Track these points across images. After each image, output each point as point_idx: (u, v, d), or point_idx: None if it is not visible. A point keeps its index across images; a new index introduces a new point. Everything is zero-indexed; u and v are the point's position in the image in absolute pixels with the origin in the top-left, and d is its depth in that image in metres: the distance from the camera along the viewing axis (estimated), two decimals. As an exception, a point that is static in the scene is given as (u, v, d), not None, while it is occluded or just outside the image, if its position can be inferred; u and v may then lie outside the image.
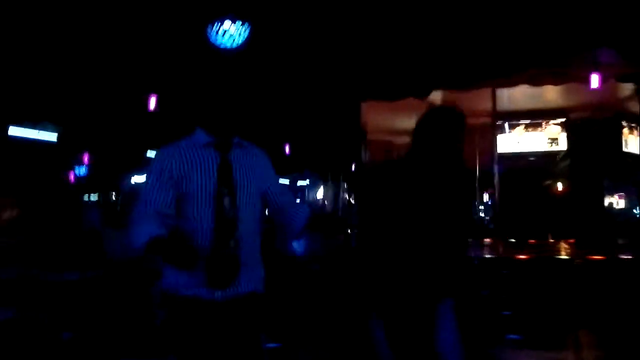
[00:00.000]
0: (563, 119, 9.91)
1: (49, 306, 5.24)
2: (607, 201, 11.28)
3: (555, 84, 8.42)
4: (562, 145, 9.90)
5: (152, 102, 9.57)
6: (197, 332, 1.97)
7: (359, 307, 2.42)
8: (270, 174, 2.23)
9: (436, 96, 8.00)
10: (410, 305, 2.25)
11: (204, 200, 2.02)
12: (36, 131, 14.69)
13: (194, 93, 2.16)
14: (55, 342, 5.12)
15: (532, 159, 9.94)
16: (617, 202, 13.48)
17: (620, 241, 8.39)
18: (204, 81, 2.13)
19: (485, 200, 12.84)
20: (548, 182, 10.88)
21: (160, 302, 2.01)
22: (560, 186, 10.85)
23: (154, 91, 9.70)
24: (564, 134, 9.83)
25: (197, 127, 2.14)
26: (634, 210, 13.54)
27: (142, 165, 19.43)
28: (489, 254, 7.37)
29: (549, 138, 9.92)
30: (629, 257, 6.63)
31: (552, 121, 9.97)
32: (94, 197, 20.76)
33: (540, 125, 10.02)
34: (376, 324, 2.29)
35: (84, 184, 17.49)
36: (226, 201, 2.04)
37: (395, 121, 9.19)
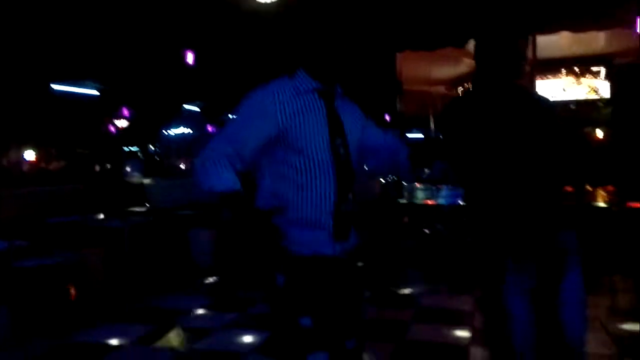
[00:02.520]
0: (605, 67, 9.58)
1: (97, 250, 5.53)
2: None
3: (598, 29, 8.11)
4: (605, 93, 9.60)
5: (190, 57, 9.67)
6: (326, 289, 1.93)
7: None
8: (369, 123, 2.18)
9: (472, 45, 7.81)
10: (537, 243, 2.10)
11: (318, 152, 1.90)
12: (78, 87, 15.04)
13: (305, 32, 2.01)
14: (106, 282, 5.47)
15: (572, 107, 9.69)
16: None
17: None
18: (318, 22, 1.99)
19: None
20: (588, 129, 10.63)
21: (280, 264, 1.92)
22: (600, 133, 10.60)
23: (191, 46, 9.78)
24: (606, 82, 9.53)
25: (298, 70, 2.00)
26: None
27: (180, 117, 19.91)
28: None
29: (589, 87, 9.64)
30: (669, 204, 6.52)
31: (593, 68, 9.65)
32: (134, 149, 21.30)
33: (581, 73, 9.72)
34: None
35: (124, 136, 17.94)
36: (342, 153, 1.96)
37: (432, 71, 9.06)
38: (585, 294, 2.14)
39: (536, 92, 2.41)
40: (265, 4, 6.92)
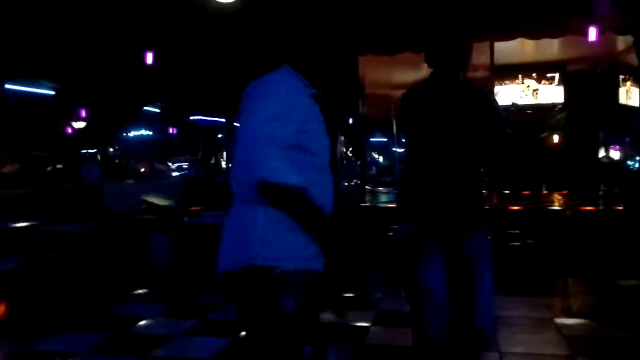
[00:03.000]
0: (559, 74, 9.88)
1: (52, 255, 5.37)
2: (601, 153, 11.36)
3: (552, 36, 8.36)
4: (555, 98, 9.91)
5: (149, 57, 9.51)
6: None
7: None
8: None
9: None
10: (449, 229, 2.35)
11: (324, 158, 1.86)
12: (33, 87, 14.59)
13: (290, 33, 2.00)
14: (61, 289, 5.32)
15: (529, 112, 9.96)
16: (612, 154, 13.55)
17: (613, 192, 8.52)
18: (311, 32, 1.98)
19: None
20: (544, 134, 10.92)
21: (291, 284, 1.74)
22: (556, 138, 10.91)
23: (150, 47, 9.61)
24: (560, 88, 9.83)
25: (299, 73, 1.90)
26: (628, 162, 13.66)
27: (139, 119, 19.55)
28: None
29: (544, 92, 9.93)
30: (620, 207, 6.76)
31: (548, 75, 9.94)
32: (92, 151, 20.83)
33: (537, 79, 9.99)
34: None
35: (81, 138, 17.51)
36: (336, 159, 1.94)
37: (393, 75, 9.17)
38: (494, 285, 2.42)
39: (482, 89, 2.66)
40: (227, 3, 6.86)
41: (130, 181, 14.33)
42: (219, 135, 23.84)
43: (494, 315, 2.42)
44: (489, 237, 2.49)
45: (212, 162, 23.50)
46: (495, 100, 2.76)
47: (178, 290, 5.84)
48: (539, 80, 9.97)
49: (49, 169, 15.74)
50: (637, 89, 10.04)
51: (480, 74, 8.93)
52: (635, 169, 13.22)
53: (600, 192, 8.78)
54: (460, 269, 2.35)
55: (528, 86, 9.94)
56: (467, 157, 2.41)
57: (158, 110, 19.36)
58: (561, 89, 9.85)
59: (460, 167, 2.40)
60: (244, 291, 1.77)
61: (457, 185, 2.39)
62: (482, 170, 2.55)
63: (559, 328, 4.35)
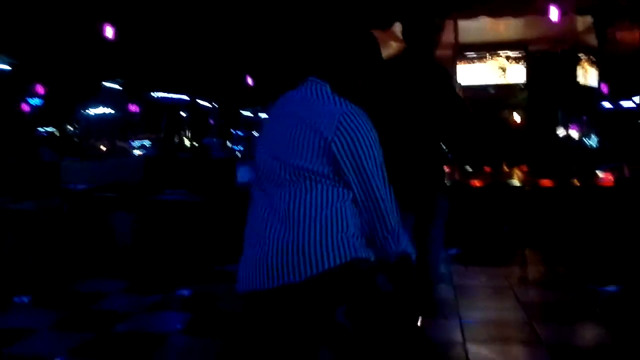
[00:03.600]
0: (521, 53, 10.04)
1: (9, 234, 5.24)
2: (560, 132, 11.63)
3: (515, 15, 8.48)
4: (517, 77, 10.09)
5: (109, 31, 9.23)
6: None
7: None
8: None
9: (399, 28, 7.96)
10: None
11: None
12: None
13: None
14: (18, 267, 5.20)
15: (492, 91, 10.12)
16: (570, 133, 13.91)
17: (571, 169, 8.76)
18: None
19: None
20: (506, 113, 11.13)
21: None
22: (517, 117, 11.13)
23: (110, 19, 9.35)
24: (522, 67, 10.00)
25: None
26: (584, 140, 14.06)
27: (99, 96, 19.04)
28: (446, 180, 7.63)
29: (506, 71, 10.08)
30: (576, 183, 6.96)
31: (511, 54, 10.09)
32: (50, 129, 20.22)
33: (497, 57, 10.14)
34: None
35: (39, 115, 16.98)
36: None
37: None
38: (444, 236, 2.74)
39: (443, 68, 2.79)
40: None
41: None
42: (183, 114, 23.52)
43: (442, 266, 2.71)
44: (447, 202, 2.71)
45: (177, 140, 23.15)
46: (452, 78, 2.92)
47: (140, 267, 5.76)
48: (508, 60, 10.11)
49: (6, 148, 15.25)
50: (595, 70, 10.29)
51: (443, 52, 9.01)
52: (592, 147, 13.62)
53: (559, 169, 9.00)
54: (420, 224, 2.56)
55: (499, 67, 10.08)
56: (426, 132, 2.56)
57: (119, 87, 18.92)
58: (523, 68, 10.02)
59: (419, 140, 2.55)
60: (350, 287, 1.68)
61: (417, 156, 2.54)
62: (442, 145, 2.70)
63: (517, 296, 4.48)
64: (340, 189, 1.68)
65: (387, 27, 8.19)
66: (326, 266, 1.61)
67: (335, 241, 1.63)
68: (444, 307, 4.06)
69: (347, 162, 1.65)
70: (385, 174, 1.73)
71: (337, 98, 1.73)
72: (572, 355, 3.33)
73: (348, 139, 1.64)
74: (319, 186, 1.66)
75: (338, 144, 1.64)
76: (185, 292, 4.86)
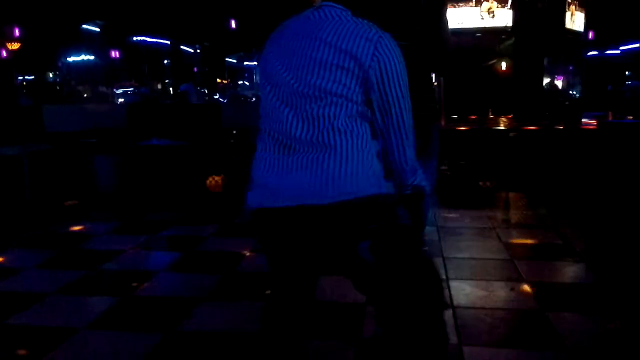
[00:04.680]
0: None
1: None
2: (546, 81, 11.64)
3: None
4: (504, 20, 9.99)
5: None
6: None
7: None
8: None
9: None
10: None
11: None
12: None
13: None
14: (4, 211, 5.18)
15: (478, 35, 10.01)
16: (556, 82, 13.92)
17: (555, 116, 8.82)
18: None
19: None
20: (492, 61, 11.07)
21: None
22: (503, 65, 11.07)
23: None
24: (507, 10, 9.89)
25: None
26: (570, 92, 14.10)
27: (79, 40, 18.48)
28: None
29: (488, 11, 9.95)
30: (560, 127, 7.02)
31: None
32: (29, 78, 19.68)
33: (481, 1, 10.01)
34: None
35: (17, 62, 16.48)
36: None
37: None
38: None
39: None
40: None
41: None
42: (165, 61, 23.01)
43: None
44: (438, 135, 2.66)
45: (159, 87, 22.74)
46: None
47: (126, 210, 5.77)
48: (497, 1, 9.97)
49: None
50: (582, 13, 10.20)
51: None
52: (576, 96, 13.67)
53: (544, 117, 9.06)
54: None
55: (488, 8, 9.93)
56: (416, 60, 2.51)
57: (98, 30, 18.31)
58: (505, 11, 9.92)
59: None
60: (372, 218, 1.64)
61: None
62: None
63: (500, 236, 4.57)
64: (367, 117, 1.63)
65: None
66: (353, 196, 1.56)
67: (365, 173, 1.59)
68: (428, 247, 4.13)
69: (381, 88, 1.60)
70: (410, 105, 1.68)
71: (367, 22, 1.63)
72: (553, 290, 3.43)
73: (383, 65, 1.58)
74: (346, 111, 1.59)
75: (376, 69, 1.57)
76: (172, 232, 4.90)
